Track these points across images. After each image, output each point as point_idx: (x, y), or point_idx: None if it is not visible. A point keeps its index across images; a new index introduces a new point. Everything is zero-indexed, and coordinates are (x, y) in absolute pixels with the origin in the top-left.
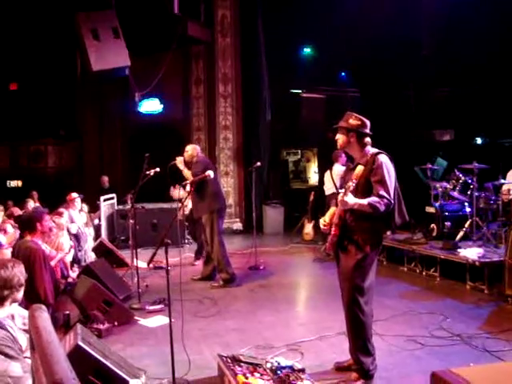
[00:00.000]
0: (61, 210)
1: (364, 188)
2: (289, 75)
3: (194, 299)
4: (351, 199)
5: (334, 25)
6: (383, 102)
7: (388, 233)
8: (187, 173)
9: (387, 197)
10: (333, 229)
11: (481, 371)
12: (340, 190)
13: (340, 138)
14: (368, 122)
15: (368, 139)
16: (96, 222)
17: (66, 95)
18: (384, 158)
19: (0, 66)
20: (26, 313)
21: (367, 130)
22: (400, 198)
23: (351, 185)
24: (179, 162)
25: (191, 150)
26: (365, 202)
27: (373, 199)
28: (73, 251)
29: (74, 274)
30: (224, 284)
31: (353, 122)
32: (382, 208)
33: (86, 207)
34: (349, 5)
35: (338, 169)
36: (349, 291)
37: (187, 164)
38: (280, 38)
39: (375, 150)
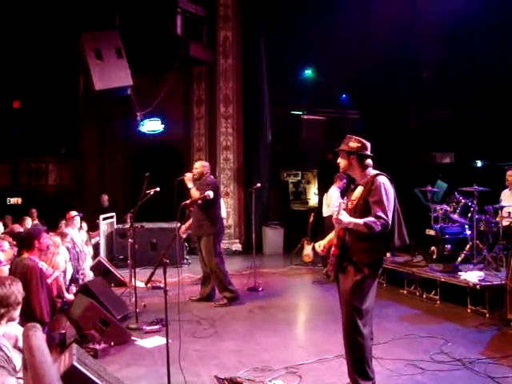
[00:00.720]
0: (65, 230)
1: (363, 208)
2: (289, 97)
3: (192, 320)
4: (345, 218)
5: (334, 47)
6: (383, 124)
7: (388, 255)
8: (194, 191)
9: (384, 217)
10: (332, 249)
11: None
12: (334, 209)
13: (341, 161)
14: (368, 144)
15: (369, 161)
16: (97, 239)
17: (68, 114)
18: (383, 179)
19: (3, 83)
20: (19, 332)
21: (368, 152)
22: (400, 220)
23: (343, 203)
24: (187, 179)
25: (200, 167)
26: (360, 221)
27: (369, 219)
28: (70, 270)
29: (70, 294)
30: (229, 302)
31: (353, 144)
32: (378, 228)
33: (85, 225)
34: (349, 28)
35: (333, 191)
36: (347, 313)
37: (195, 181)
38: (281, 60)
39: (375, 172)
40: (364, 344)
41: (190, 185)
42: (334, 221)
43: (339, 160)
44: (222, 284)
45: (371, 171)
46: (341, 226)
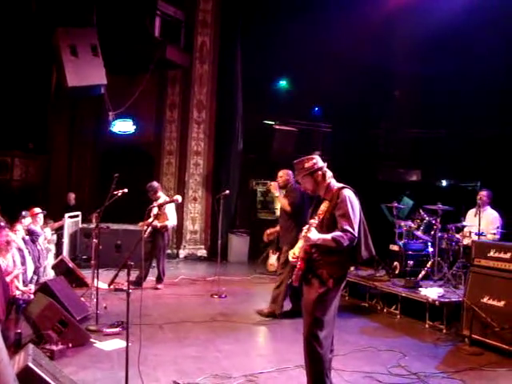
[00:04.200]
0: (17, 226)
1: (329, 223)
2: (263, 106)
3: (154, 324)
4: (314, 235)
5: (309, 60)
6: (353, 139)
7: (352, 268)
8: (282, 199)
9: (351, 231)
10: (298, 263)
11: None
12: (304, 228)
13: (308, 185)
14: (317, 157)
15: (328, 172)
16: (50, 233)
17: (39, 108)
18: (348, 192)
19: None
20: None
21: (322, 164)
22: (366, 233)
23: (314, 222)
24: (273, 187)
25: (285, 175)
26: (328, 236)
27: (336, 234)
28: (31, 268)
29: (26, 288)
30: (268, 315)
31: (308, 164)
32: (346, 242)
33: (50, 221)
34: (325, 41)
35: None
36: (308, 324)
37: (281, 189)
38: (256, 69)
39: (340, 185)
40: (323, 355)
41: (276, 193)
42: (302, 238)
43: (305, 186)
44: (280, 297)
45: (335, 184)
46: (309, 243)
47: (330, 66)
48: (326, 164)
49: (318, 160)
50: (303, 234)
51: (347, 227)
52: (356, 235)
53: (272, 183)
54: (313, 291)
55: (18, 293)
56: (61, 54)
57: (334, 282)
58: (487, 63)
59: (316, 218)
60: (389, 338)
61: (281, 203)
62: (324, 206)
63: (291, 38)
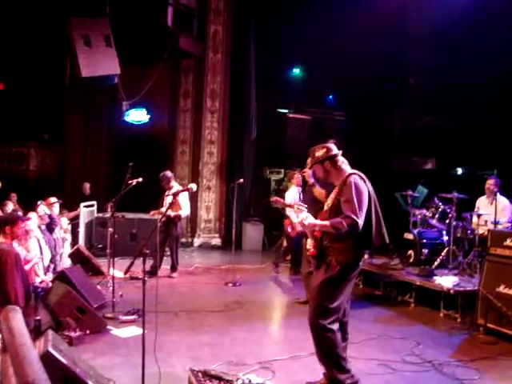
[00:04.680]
0: (30, 215)
1: (337, 209)
2: (276, 95)
3: (169, 312)
4: (310, 220)
5: (323, 48)
6: (368, 128)
7: (366, 257)
8: (320, 190)
9: (352, 217)
10: (311, 249)
11: None
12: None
13: (319, 172)
14: (331, 144)
15: (341, 160)
16: (66, 222)
17: (53, 99)
18: (354, 178)
19: None
20: None
21: (335, 151)
22: (379, 219)
23: (301, 207)
24: (308, 176)
25: None
26: (327, 223)
27: (335, 220)
28: (48, 256)
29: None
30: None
31: (319, 153)
32: (345, 229)
33: (65, 211)
34: (340, 29)
35: (291, 191)
36: (312, 309)
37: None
38: (270, 58)
39: (350, 171)
40: (331, 338)
41: (312, 181)
42: (298, 224)
43: (317, 175)
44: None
45: (347, 171)
46: (306, 229)
47: (344, 54)
48: (340, 152)
49: (330, 148)
50: (298, 220)
51: (348, 213)
52: (358, 221)
53: (307, 171)
54: (318, 277)
55: (38, 280)
56: (74, 44)
57: (341, 269)
58: (506, 47)
59: (302, 201)
60: (403, 327)
61: (317, 193)
62: (333, 193)
63: (305, 26)
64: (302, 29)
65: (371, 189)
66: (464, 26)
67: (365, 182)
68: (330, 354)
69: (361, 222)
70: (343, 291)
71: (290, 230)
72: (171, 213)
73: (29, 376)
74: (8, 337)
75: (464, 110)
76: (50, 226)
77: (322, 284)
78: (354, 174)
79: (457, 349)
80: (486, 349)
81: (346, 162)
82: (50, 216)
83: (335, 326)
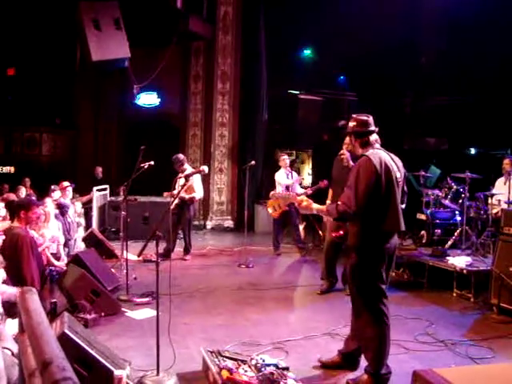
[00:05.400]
0: (47, 200)
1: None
2: (287, 76)
3: (183, 294)
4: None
5: (334, 29)
6: (380, 108)
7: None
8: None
9: (346, 202)
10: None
11: (463, 373)
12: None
13: (350, 143)
14: (366, 119)
15: (372, 138)
16: (79, 206)
17: (64, 84)
18: (362, 161)
19: None
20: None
21: (368, 128)
22: (395, 205)
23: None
24: (346, 159)
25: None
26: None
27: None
28: (62, 241)
29: (61, 262)
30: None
31: (351, 123)
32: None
33: (77, 195)
34: (351, 10)
35: (280, 173)
36: (352, 293)
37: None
38: (281, 39)
39: (368, 152)
40: (373, 321)
41: (351, 163)
42: (297, 207)
43: (347, 147)
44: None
45: (368, 150)
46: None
47: (355, 35)
48: (373, 128)
49: (362, 123)
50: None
51: (344, 198)
52: (354, 206)
53: (345, 152)
54: (348, 262)
55: (59, 264)
56: (84, 28)
57: (358, 254)
58: None
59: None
60: (416, 307)
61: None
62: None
63: (315, 7)
64: (313, 10)
65: (395, 170)
66: (477, 4)
67: (381, 164)
68: (371, 338)
69: (355, 209)
70: (372, 274)
71: (271, 211)
72: (185, 195)
73: (46, 354)
74: (25, 317)
75: (476, 88)
76: (62, 211)
77: (352, 269)
78: (365, 155)
79: (470, 328)
80: (499, 328)
81: (377, 140)
82: (58, 204)
83: (383, 308)
